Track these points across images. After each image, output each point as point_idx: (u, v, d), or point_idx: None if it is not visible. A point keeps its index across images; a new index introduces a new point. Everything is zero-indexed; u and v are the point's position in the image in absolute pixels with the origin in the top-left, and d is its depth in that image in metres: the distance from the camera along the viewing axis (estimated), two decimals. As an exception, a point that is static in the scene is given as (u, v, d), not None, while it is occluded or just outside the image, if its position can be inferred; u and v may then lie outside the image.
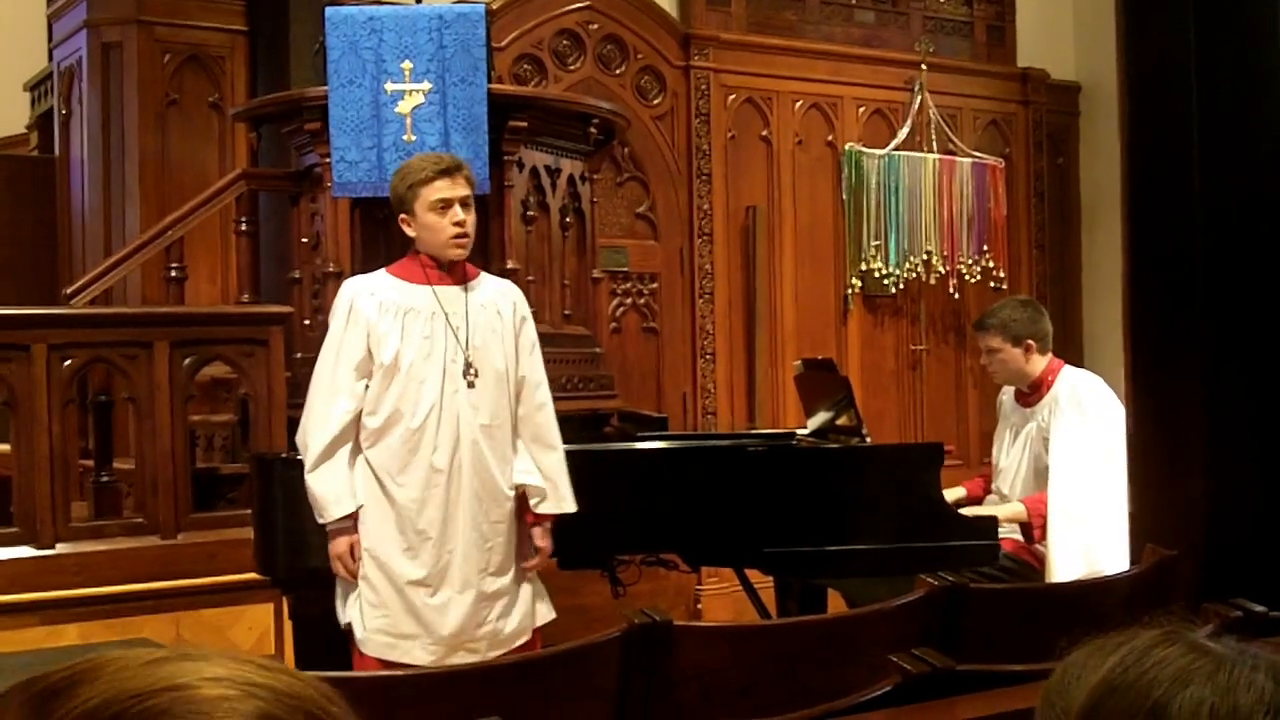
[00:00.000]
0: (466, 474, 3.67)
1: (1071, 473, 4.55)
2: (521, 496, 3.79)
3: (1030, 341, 4.70)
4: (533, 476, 3.79)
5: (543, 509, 3.80)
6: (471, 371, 3.69)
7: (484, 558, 3.71)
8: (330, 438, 3.62)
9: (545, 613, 3.89)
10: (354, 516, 3.65)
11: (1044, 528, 4.55)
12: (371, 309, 3.66)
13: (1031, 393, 4.77)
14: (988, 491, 4.97)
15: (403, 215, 3.74)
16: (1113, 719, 1.00)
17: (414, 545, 3.64)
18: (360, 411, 3.66)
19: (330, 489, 3.63)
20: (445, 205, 3.67)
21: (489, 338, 3.75)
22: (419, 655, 3.61)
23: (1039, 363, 4.73)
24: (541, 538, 3.81)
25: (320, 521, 3.66)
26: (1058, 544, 4.51)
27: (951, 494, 4.78)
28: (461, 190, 3.70)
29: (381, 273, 3.80)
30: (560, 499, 3.82)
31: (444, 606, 3.66)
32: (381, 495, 3.66)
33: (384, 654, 3.62)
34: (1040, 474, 4.66)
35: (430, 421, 3.65)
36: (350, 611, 3.68)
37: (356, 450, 3.67)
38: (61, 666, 0.84)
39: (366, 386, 3.65)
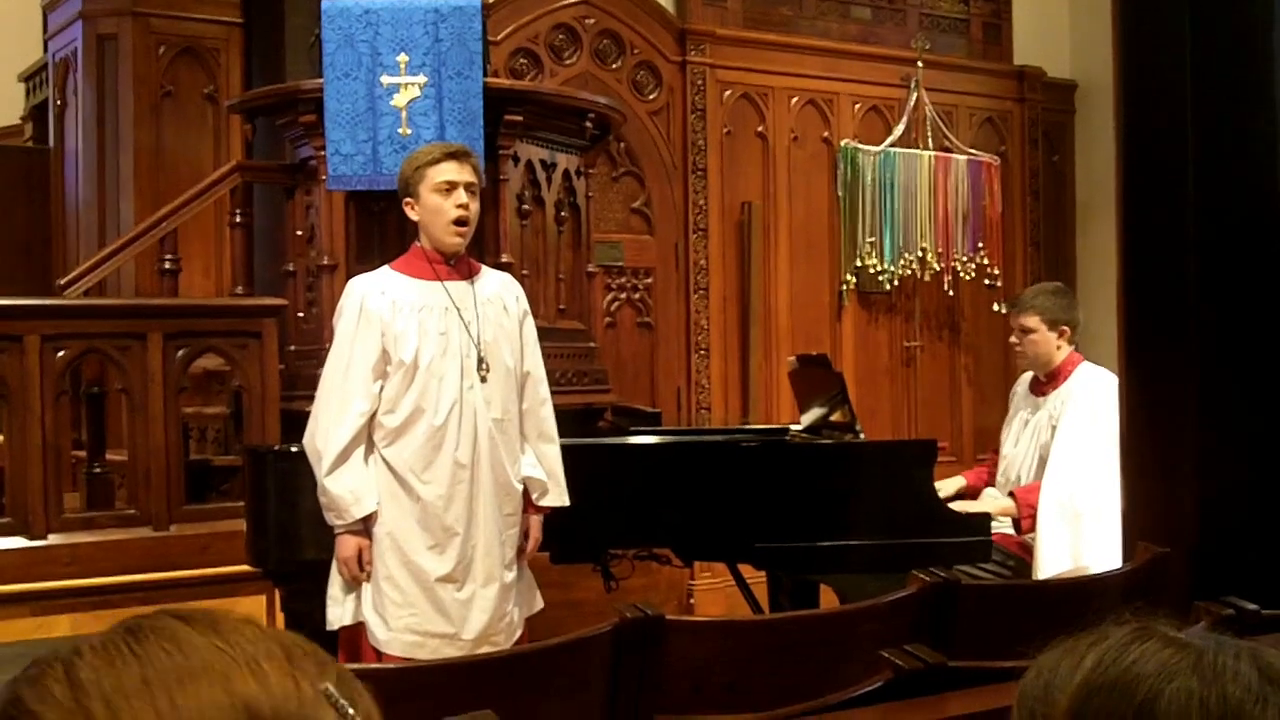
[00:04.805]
0: (484, 469, 3.69)
1: (1070, 467, 4.57)
2: (523, 490, 3.83)
3: (1065, 327, 4.75)
4: (537, 470, 3.83)
5: (545, 502, 3.86)
6: (484, 367, 3.69)
7: (502, 551, 3.73)
8: (347, 440, 3.60)
9: (538, 601, 3.92)
10: (366, 519, 3.64)
11: (1032, 518, 4.57)
12: (384, 307, 3.65)
13: (1048, 382, 4.80)
14: (988, 482, 4.98)
15: (407, 199, 3.74)
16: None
17: (440, 541, 3.64)
18: (374, 412, 3.64)
19: (350, 490, 3.60)
20: (450, 187, 3.67)
21: (498, 333, 3.76)
22: (448, 653, 3.57)
23: (1064, 352, 4.77)
24: (536, 528, 3.86)
25: (337, 523, 3.63)
26: (1047, 538, 4.52)
27: (951, 484, 4.81)
28: (468, 176, 3.71)
29: (386, 270, 3.78)
30: (561, 492, 3.88)
31: (469, 601, 3.67)
32: (403, 494, 3.64)
33: (411, 653, 3.59)
34: (1046, 463, 4.68)
35: (452, 418, 3.65)
36: (366, 613, 3.67)
37: (369, 450, 3.66)
38: (53, 652, 0.83)
39: (381, 387, 3.64)
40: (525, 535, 3.84)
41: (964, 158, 7.92)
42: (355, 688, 0.86)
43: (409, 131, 4.73)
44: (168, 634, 0.82)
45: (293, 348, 5.18)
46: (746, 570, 4.87)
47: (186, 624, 0.83)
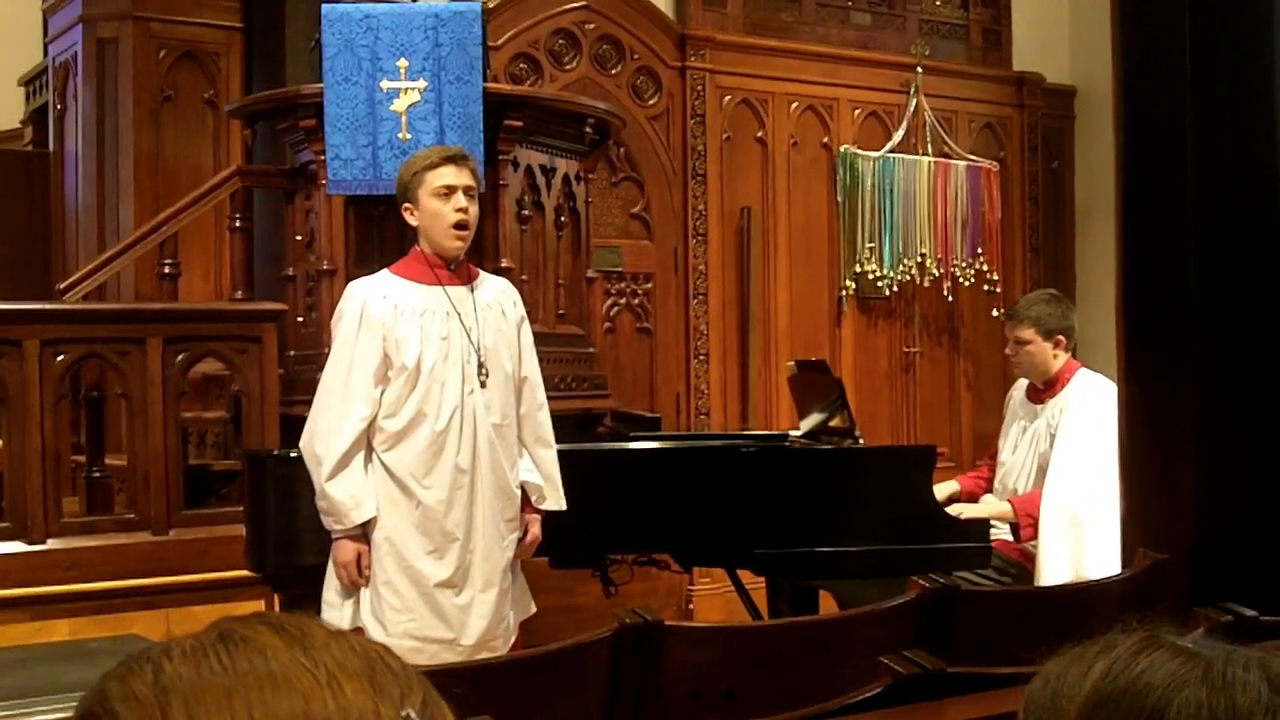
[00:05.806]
0: (484, 474, 3.68)
1: (1071, 476, 4.56)
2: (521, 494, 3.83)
3: (1060, 337, 4.73)
4: (534, 475, 3.83)
5: (544, 507, 3.86)
6: (484, 372, 3.69)
7: (501, 556, 3.73)
8: (348, 444, 3.59)
9: (531, 605, 3.93)
10: (365, 524, 3.63)
11: (1032, 527, 4.55)
12: (386, 312, 3.64)
13: (1045, 390, 4.78)
14: (985, 489, 4.96)
15: (406, 204, 3.73)
16: None
17: (440, 546, 3.64)
18: (374, 417, 3.63)
19: (350, 495, 3.59)
20: (449, 191, 3.67)
21: (497, 338, 3.75)
22: (447, 658, 3.54)
23: (1060, 360, 4.76)
24: (536, 525, 3.85)
25: (337, 528, 3.62)
26: (1049, 547, 4.51)
27: (945, 488, 4.79)
28: (466, 179, 3.70)
29: (386, 274, 3.76)
30: (558, 496, 3.88)
31: (468, 606, 3.66)
32: (403, 498, 3.63)
33: (410, 658, 3.53)
34: (1045, 472, 4.66)
35: (453, 423, 3.64)
36: (364, 618, 3.66)
37: (368, 455, 3.65)
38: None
39: (382, 391, 3.63)
40: (524, 534, 3.83)
41: (963, 163, 7.92)
42: (441, 709, 0.85)
43: (409, 136, 4.73)
44: (257, 645, 0.83)
45: (292, 353, 5.18)
46: (746, 576, 4.87)
47: (277, 634, 0.84)
